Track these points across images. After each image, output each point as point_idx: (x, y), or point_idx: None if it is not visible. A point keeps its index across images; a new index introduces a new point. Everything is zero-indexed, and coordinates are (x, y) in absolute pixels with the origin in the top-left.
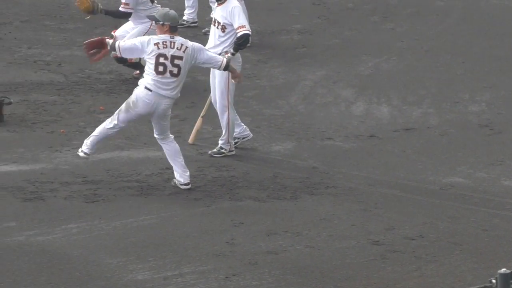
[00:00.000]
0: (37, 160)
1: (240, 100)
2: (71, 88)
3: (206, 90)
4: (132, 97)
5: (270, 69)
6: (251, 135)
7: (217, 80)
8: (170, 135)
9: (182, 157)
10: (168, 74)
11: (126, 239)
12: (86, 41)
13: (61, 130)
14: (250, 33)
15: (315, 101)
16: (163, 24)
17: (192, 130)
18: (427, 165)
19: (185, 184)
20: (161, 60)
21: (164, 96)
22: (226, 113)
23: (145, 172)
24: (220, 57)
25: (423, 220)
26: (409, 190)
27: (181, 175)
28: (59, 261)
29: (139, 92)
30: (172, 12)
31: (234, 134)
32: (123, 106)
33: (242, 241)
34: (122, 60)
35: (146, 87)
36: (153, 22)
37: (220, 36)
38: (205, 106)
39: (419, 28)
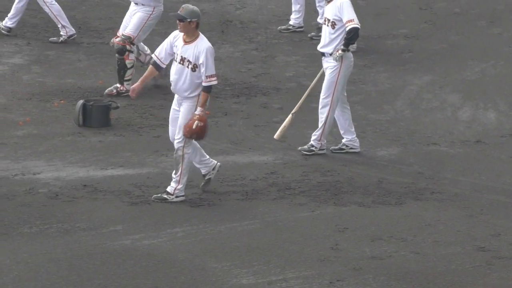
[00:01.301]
0: (144, 164)
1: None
2: None
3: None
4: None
5: (375, 74)
6: (359, 149)
7: (327, 77)
8: None
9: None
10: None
11: (231, 243)
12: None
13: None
14: (359, 26)
15: (421, 106)
16: (190, 22)
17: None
18: None
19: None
20: None
21: None
22: (328, 109)
23: (249, 177)
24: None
25: None
26: None
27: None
28: (164, 265)
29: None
30: (197, 8)
31: (345, 140)
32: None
33: (346, 247)
34: (121, 52)
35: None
36: (154, 9)
37: (330, 34)
38: (298, 104)
39: None
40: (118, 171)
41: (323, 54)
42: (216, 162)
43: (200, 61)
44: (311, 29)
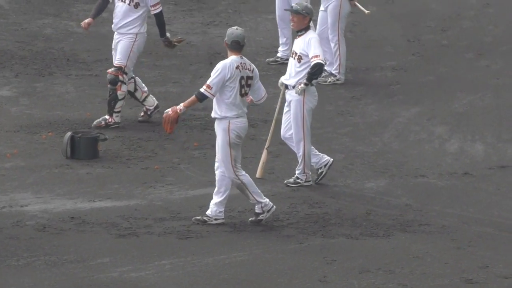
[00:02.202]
0: (132, 196)
1: (333, 137)
2: None
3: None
4: (230, 136)
5: (363, 106)
6: (331, 159)
7: (292, 112)
8: None
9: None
10: (245, 95)
11: (219, 275)
12: (167, 124)
13: (156, 167)
14: (323, 62)
15: (409, 138)
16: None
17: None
18: None
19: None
20: (243, 82)
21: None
22: (302, 143)
23: (238, 209)
24: (265, 91)
25: None
26: (504, 228)
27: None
28: None
29: (233, 126)
30: (239, 30)
31: (316, 165)
32: (227, 154)
33: (334, 279)
34: (114, 82)
35: (234, 116)
36: (137, 36)
37: (296, 67)
38: (268, 138)
39: None
40: (106, 203)
41: (286, 86)
42: (272, 205)
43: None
44: None
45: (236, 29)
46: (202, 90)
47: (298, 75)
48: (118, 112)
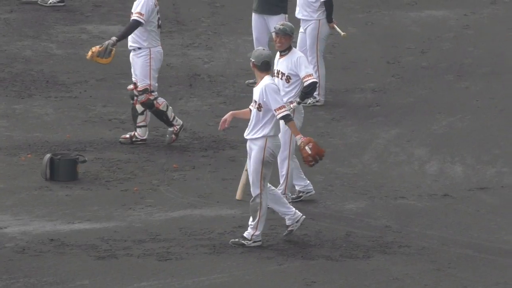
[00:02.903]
0: (111, 218)
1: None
2: (145, 146)
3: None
4: (265, 154)
5: (343, 127)
6: (314, 191)
7: (281, 131)
8: None
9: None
10: None
11: None
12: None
13: (135, 188)
14: (317, 81)
15: (389, 159)
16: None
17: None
18: (502, 225)
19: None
20: None
21: None
22: (286, 163)
23: (217, 230)
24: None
25: (497, 280)
26: (483, 250)
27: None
28: None
29: (269, 144)
30: (266, 51)
31: (299, 187)
32: (258, 172)
33: None
34: (150, 106)
35: (273, 135)
36: (150, 50)
37: (285, 87)
38: (247, 160)
39: (493, 87)
40: (85, 225)
41: None
42: (301, 214)
43: (261, 97)
44: None
45: (263, 49)
46: (282, 114)
47: (288, 94)
48: (174, 118)
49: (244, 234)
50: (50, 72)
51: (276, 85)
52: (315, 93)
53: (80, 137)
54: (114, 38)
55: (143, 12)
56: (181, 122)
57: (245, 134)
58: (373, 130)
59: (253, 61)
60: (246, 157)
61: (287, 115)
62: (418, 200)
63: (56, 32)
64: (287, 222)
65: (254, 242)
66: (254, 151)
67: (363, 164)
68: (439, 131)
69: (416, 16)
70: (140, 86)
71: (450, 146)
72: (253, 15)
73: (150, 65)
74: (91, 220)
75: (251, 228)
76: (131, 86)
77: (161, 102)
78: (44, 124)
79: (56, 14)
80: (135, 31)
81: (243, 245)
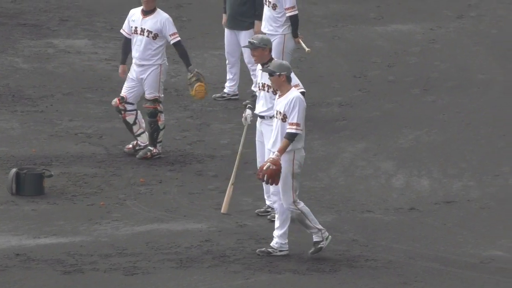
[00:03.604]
0: (77, 232)
1: None
2: (112, 161)
3: (247, 162)
4: (294, 167)
5: (310, 141)
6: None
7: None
8: None
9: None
10: None
11: None
12: (274, 178)
13: (101, 203)
14: (304, 91)
15: (355, 173)
16: (279, 75)
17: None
18: (468, 238)
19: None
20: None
21: None
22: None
23: (184, 245)
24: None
25: None
26: (450, 264)
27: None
28: None
29: (297, 156)
30: (286, 62)
31: (270, 203)
32: (289, 185)
33: None
34: (154, 115)
35: (300, 147)
36: (161, 66)
37: (272, 99)
38: (233, 173)
39: (460, 101)
40: (51, 240)
41: (262, 117)
42: (328, 234)
43: (286, 109)
44: (246, 96)
45: (284, 61)
46: (292, 131)
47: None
48: (161, 142)
49: (315, 240)
50: (16, 86)
51: (303, 98)
52: None
53: (46, 152)
54: (189, 68)
55: (176, 31)
56: (160, 151)
57: (269, 147)
58: (339, 144)
59: (284, 74)
60: (213, 172)
61: (295, 134)
62: (385, 213)
63: (22, 46)
64: (315, 239)
65: (327, 239)
66: (282, 165)
67: (330, 178)
68: (406, 145)
69: (382, 30)
70: (150, 97)
71: (416, 160)
72: (225, 30)
73: (160, 79)
74: (57, 235)
75: (315, 233)
76: (115, 101)
77: (162, 120)
78: (10, 139)
79: (22, 28)
80: (148, 47)
81: (321, 248)
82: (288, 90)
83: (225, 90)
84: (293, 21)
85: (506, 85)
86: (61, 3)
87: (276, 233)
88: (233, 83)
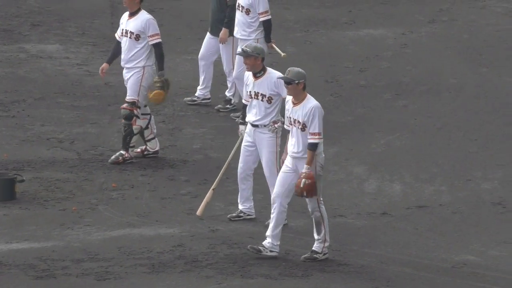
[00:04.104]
0: (49, 237)
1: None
2: (84, 166)
3: (219, 166)
4: (317, 169)
5: (282, 145)
6: (254, 215)
7: (265, 146)
8: None
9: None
10: None
11: None
12: (312, 191)
13: (73, 208)
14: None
15: (327, 178)
16: (298, 83)
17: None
18: (440, 243)
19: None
20: None
21: None
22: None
23: (156, 250)
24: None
25: None
26: (421, 268)
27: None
28: None
29: (319, 159)
30: (302, 69)
31: (243, 208)
32: (317, 188)
33: None
34: (129, 118)
35: (321, 152)
36: (144, 69)
37: (266, 107)
38: (216, 179)
39: (431, 106)
40: (23, 245)
41: (256, 125)
42: (327, 252)
43: (306, 119)
44: (218, 101)
45: (299, 68)
46: (314, 141)
47: (269, 115)
48: (133, 146)
49: (314, 248)
50: None
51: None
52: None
53: (18, 157)
54: (160, 73)
55: (157, 33)
56: (133, 156)
57: (292, 152)
58: None
59: (303, 81)
60: (186, 177)
61: (317, 144)
62: (357, 218)
63: None
64: (315, 248)
65: (324, 254)
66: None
67: None
68: (378, 150)
69: (354, 35)
70: (128, 99)
71: (388, 165)
72: (207, 34)
73: (141, 83)
74: (29, 240)
75: (319, 242)
76: (125, 105)
77: (138, 125)
78: None
79: None
80: (131, 49)
81: (315, 259)
82: (304, 98)
83: (196, 94)
84: (266, 26)
85: (478, 90)
86: (32, 8)
87: (269, 232)
88: (203, 86)
